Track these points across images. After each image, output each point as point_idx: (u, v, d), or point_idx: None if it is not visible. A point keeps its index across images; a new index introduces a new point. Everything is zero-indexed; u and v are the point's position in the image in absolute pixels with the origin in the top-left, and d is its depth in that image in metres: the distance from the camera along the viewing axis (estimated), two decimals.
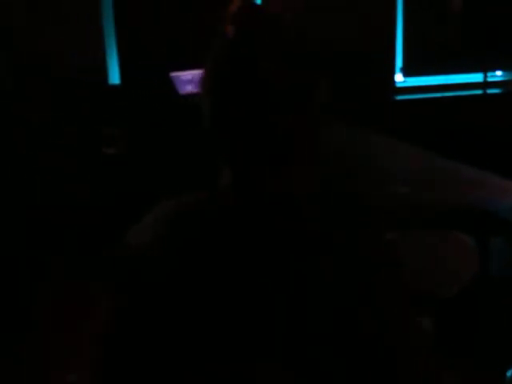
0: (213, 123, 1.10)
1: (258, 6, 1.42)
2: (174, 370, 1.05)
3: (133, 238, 1.10)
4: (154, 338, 1.06)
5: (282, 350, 1.00)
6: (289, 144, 1.07)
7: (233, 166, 1.09)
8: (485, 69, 4.87)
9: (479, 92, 5.00)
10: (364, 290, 1.01)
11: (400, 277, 1.10)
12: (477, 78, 5.07)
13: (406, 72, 5.25)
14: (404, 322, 1.08)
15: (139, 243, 1.08)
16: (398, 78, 5.25)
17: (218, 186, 1.11)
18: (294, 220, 1.05)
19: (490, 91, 5.01)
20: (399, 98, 5.23)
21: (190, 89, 4.38)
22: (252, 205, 1.06)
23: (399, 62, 5.24)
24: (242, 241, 1.04)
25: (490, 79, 4.99)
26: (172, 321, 1.05)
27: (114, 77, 4.76)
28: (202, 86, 1.13)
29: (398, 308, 1.06)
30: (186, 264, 1.04)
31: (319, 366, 0.98)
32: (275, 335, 1.00)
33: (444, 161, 3.51)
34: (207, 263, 1.04)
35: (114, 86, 4.73)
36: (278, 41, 1.10)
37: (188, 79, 4.43)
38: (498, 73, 5.28)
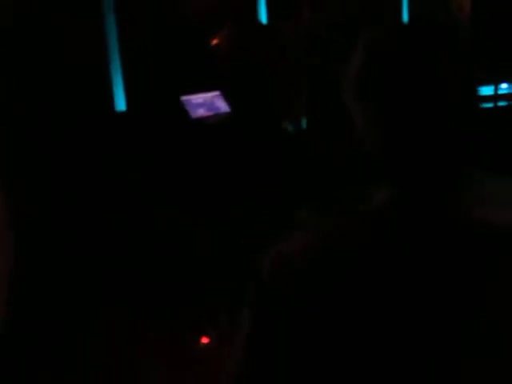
0: (379, 140, 0.98)
1: None
2: None
3: (279, 265, 0.97)
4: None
5: None
6: (457, 166, 0.98)
7: (400, 185, 0.97)
8: (496, 81, 4.84)
9: (490, 105, 4.96)
10: None
11: None
12: (487, 90, 5.03)
13: None
14: None
15: (289, 271, 0.96)
16: None
17: (366, 207, 0.99)
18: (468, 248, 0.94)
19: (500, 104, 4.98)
20: None
21: (201, 112, 4.28)
22: (424, 230, 0.95)
23: None
24: (409, 267, 0.92)
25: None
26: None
27: (121, 104, 4.64)
28: (358, 95, 1.00)
29: None
30: (345, 293, 0.93)
31: None
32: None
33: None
34: (371, 291, 0.92)
35: (121, 113, 4.61)
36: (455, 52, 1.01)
37: (199, 102, 4.32)
38: (504, 85, 5.24)
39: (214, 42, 4.80)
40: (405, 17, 5.04)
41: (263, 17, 4.93)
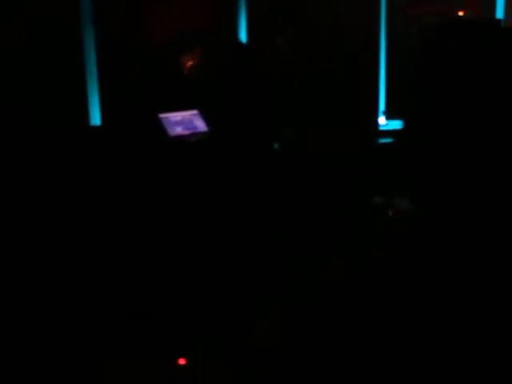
0: None
1: None
2: None
3: None
4: None
5: None
6: None
7: None
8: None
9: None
10: None
11: None
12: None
13: (389, 115, 5.24)
14: None
15: None
16: (381, 120, 5.22)
17: None
18: None
19: None
20: (382, 140, 5.19)
21: (179, 130, 4.22)
22: None
23: (382, 104, 5.22)
24: None
25: None
26: None
27: (96, 118, 4.57)
28: None
29: None
30: None
31: None
32: None
33: None
34: None
35: (96, 128, 4.53)
36: None
37: (177, 120, 4.27)
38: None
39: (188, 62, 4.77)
40: None
41: (243, 36, 4.92)
